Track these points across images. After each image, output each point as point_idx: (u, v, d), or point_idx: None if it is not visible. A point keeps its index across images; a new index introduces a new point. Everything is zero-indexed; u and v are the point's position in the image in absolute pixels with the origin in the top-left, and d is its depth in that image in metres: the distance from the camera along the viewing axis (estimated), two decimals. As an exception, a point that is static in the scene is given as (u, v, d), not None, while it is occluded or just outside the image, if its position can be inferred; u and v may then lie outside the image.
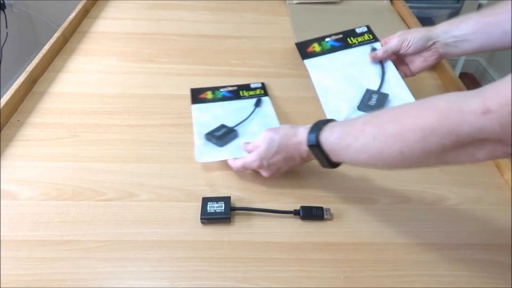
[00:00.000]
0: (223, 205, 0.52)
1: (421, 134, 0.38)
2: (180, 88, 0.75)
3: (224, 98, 0.72)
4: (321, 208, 0.53)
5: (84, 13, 0.98)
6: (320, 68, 0.70)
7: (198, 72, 0.81)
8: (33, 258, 0.47)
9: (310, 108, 0.70)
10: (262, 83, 0.76)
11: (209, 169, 0.59)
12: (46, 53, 0.79)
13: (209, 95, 0.73)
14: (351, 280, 0.46)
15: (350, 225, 0.52)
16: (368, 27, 0.74)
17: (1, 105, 0.65)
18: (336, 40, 0.73)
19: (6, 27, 1.81)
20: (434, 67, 0.83)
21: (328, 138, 0.48)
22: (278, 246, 0.50)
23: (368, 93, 0.64)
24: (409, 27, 0.97)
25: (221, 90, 0.74)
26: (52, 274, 0.46)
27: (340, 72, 0.68)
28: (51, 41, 0.82)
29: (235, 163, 0.57)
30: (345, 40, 0.73)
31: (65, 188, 0.56)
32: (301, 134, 0.51)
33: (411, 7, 1.03)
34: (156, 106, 0.70)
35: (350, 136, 0.45)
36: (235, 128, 0.64)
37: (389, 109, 0.46)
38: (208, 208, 0.52)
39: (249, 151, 0.57)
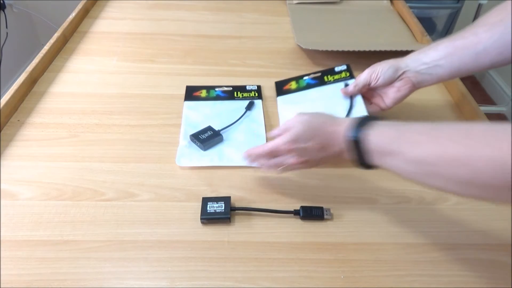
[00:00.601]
0: (223, 205, 0.52)
1: (492, 166, 0.33)
2: (180, 88, 0.75)
3: (217, 98, 0.72)
4: (321, 208, 0.53)
5: (84, 13, 0.98)
6: (289, 105, 0.69)
7: (198, 72, 0.81)
8: (33, 258, 0.47)
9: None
10: (258, 86, 0.75)
11: (209, 169, 0.59)
12: (46, 53, 0.79)
13: (203, 93, 0.73)
14: (351, 280, 0.46)
15: (350, 225, 0.52)
16: (348, 66, 0.73)
17: (1, 105, 0.65)
18: (314, 78, 0.73)
19: (6, 27, 1.81)
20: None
21: (375, 137, 0.43)
22: (278, 246, 0.50)
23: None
24: (409, 27, 0.97)
25: (216, 89, 0.74)
26: (52, 274, 0.46)
27: (306, 107, 0.66)
28: (51, 41, 0.82)
29: (263, 148, 0.52)
30: (322, 77, 0.73)
31: (65, 188, 0.56)
32: (343, 124, 0.47)
33: (411, 7, 1.03)
34: (156, 106, 0.70)
35: (403, 143, 0.41)
36: (221, 132, 0.64)
37: (452, 124, 0.40)
38: (208, 208, 0.52)
39: (277, 135, 0.52)
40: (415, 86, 0.61)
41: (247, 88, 0.75)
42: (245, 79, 0.78)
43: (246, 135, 0.65)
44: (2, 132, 0.64)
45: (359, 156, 0.45)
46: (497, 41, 0.52)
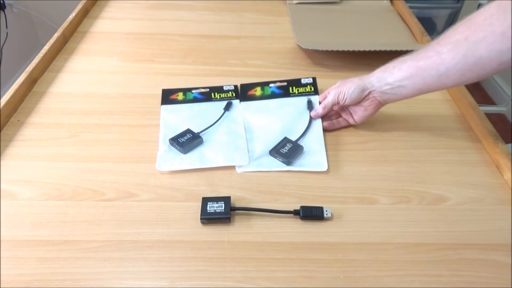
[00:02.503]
0: (223, 205, 0.52)
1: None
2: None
3: (194, 100, 0.72)
4: (321, 208, 0.53)
5: (84, 13, 0.98)
6: (252, 112, 0.69)
7: (198, 72, 0.81)
8: (33, 258, 0.47)
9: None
10: (235, 86, 0.75)
11: (209, 169, 0.59)
12: (46, 53, 0.79)
13: (180, 96, 0.72)
14: (351, 280, 0.46)
15: (350, 225, 0.52)
16: (314, 79, 0.74)
17: (1, 105, 0.65)
18: (279, 87, 0.73)
19: (6, 27, 1.81)
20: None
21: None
22: (278, 246, 0.50)
23: (284, 141, 0.62)
24: (409, 27, 0.97)
25: (193, 91, 0.74)
26: (52, 274, 0.46)
27: (269, 118, 0.68)
28: (51, 41, 0.82)
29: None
30: (287, 88, 0.73)
31: (65, 188, 0.56)
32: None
33: (411, 7, 1.03)
34: (156, 106, 0.70)
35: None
36: (201, 134, 0.63)
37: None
38: (208, 208, 0.52)
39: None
40: (382, 104, 0.62)
41: (225, 88, 0.74)
42: (245, 79, 0.78)
43: (226, 136, 0.64)
44: (2, 132, 0.64)
45: None
46: (460, 62, 0.51)
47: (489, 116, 0.68)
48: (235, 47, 0.89)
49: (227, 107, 0.70)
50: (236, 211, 0.53)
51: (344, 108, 0.67)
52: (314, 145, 0.63)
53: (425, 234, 0.52)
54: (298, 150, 0.61)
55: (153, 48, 0.87)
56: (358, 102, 0.63)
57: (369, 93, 0.61)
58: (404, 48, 0.82)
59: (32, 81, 0.74)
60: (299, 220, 0.53)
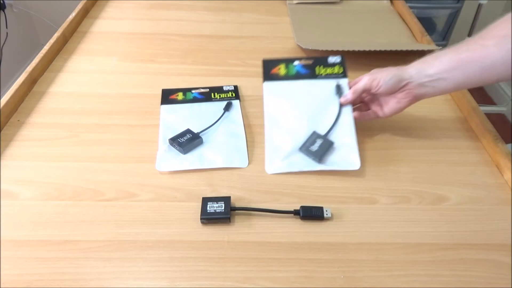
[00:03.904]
0: (223, 205, 0.52)
1: None
2: (180, 88, 0.75)
3: (194, 100, 0.72)
4: (321, 208, 0.53)
5: (84, 13, 0.98)
6: (276, 96, 0.66)
7: (198, 72, 0.81)
8: (33, 258, 0.47)
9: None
10: (235, 86, 0.75)
11: (209, 169, 0.59)
12: (46, 53, 0.79)
13: (180, 96, 0.72)
14: (351, 280, 0.46)
15: (350, 225, 0.52)
16: (342, 58, 0.69)
17: (1, 105, 0.65)
18: (305, 66, 0.68)
19: (6, 27, 1.81)
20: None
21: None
22: (278, 246, 0.50)
23: (314, 136, 0.59)
24: (409, 27, 0.97)
25: (193, 91, 0.73)
26: (52, 274, 0.46)
27: (295, 105, 0.64)
28: (51, 41, 0.82)
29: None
30: (314, 68, 0.68)
31: (65, 188, 0.56)
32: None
33: (411, 7, 1.03)
34: (155, 106, 0.70)
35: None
36: (201, 134, 0.63)
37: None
38: (208, 208, 0.52)
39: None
40: (416, 98, 0.59)
41: (224, 88, 0.74)
42: (245, 79, 0.78)
43: (226, 136, 0.64)
44: (2, 132, 0.64)
45: None
46: (505, 56, 0.51)
47: (489, 116, 0.68)
48: (235, 47, 0.89)
49: (227, 107, 0.70)
50: (236, 211, 0.53)
51: (374, 98, 0.64)
52: (345, 139, 0.60)
53: (425, 234, 0.52)
54: (329, 146, 0.59)
55: (153, 48, 0.87)
56: (392, 92, 0.59)
57: (406, 84, 0.58)
58: (404, 48, 0.82)
59: (32, 81, 0.74)
60: (299, 220, 0.53)
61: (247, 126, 0.67)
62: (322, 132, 0.61)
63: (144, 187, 0.56)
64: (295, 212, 0.52)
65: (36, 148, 0.62)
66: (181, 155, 0.61)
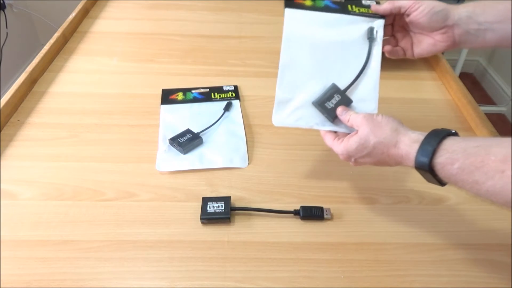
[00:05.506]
0: (223, 205, 0.52)
1: None
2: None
3: (194, 100, 0.72)
4: (321, 208, 0.53)
5: (84, 13, 0.98)
6: (300, 28, 0.55)
7: (198, 72, 0.81)
8: (33, 258, 0.47)
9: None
10: (235, 86, 0.75)
11: (209, 169, 0.59)
12: (46, 53, 0.79)
13: (180, 96, 0.72)
14: (351, 280, 0.46)
15: (350, 225, 0.52)
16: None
17: (1, 105, 0.65)
18: (335, 2, 0.56)
19: (6, 27, 1.81)
20: (434, 67, 0.84)
21: (446, 166, 0.40)
22: (278, 246, 0.50)
23: (332, 90, 0.52)
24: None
25: (193, 91, 0.73)
26: (52, 274, 0.46)
27: (317, 45, 0.54)
28: (51, 41, 0.82)
29: (326, 139, 0.51)
30: (345, 5, 0.56)
31: (65, 188, 0.56)
32: (405, 148, 0.44)
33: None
34: (155, 106, 0.70)
35: (480, 172, 0.37)
36: (201, 134, 0.63)
37: None
38: (208, 208, 0.52)
39: (343, 121, 0.50)
40: (455, 45, 0.52)
41: (224, 88, 0.74)
42: (245, 79, 0.78)
43: (226, 136, 0.64)
44: (2, 132, 0.64)
45: (437, 180, 0.42)
46: None
47: (489, 116, 0.68)
48: (235, 47, 0.89)
49: (227, 107, 0.70)
50: (236, 211, 0.53)
51: (407, 34, 0.56)
52: (366, 93, 0.53)
53: (425, 234, 0.52)
54: (347, 104, 0.52)
55: (153, 48, 0.87)
56: (432, 29, 0.52)
57: (451, 26, 0.51)
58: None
59: (32, 81, 0.74)
60: (299, 220, 0.53)
61: (247, 126, 0.67)
62: (342, 85, 0.53)
63: (144, 187, 0.56)
64: (295, 212, 0.52)
65: (36, 148, 0.62)
66: (181, 155, 0.61)
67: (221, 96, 0.73)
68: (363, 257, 0.49)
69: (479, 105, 0.70)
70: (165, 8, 1.03)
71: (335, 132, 0.52)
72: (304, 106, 0.53)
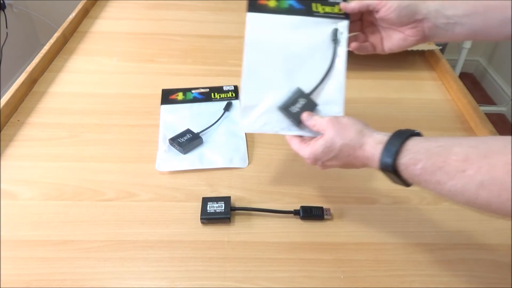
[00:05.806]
0: (223, 205, 0.52)
1: None
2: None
3: (194, 100, 0.72)
4: (321, 208, 0.53)
5: (84, 13, 0.98)
6: (263, 32, 0.55)
7: (198, 72, 0.81)
8: (33, 258, 0.47)
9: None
10: (235, 86, 0.75)
11: (209, 169, 0.59)
12: (46, 53, 0.79)
13: (180, 96, 0.72)
14: (351, 280, 0.46)
15: (350, 225, 0.52)
16: None
17: (1, 105, 0.65)
18: (299, 1, 0.55)
19: (6, 27, 1.81)
20: (434, 67, 0.84)
21: (409, 166, 0.40)
22: (278, 246, 0.50)
23: (297, 94, 0.51)
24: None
25: (193, 91, 0.73)
26: (52, 274, 0.46)
27: (282, 48, 0.53)
28: (51, 41, 0.82)
29: (292, 144, 0.50)
30: (310, 4, 0.55)
31: (65, 188, 0.56)
32: (370, 150, 0.43)
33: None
34: (155, 106, 0.70)
35: (442, 172, 0.37)
36: (201, 134, 0.63)
37: (502, 145, 0.35)
38: (208, 208, 0.52)
39: (309, 127, 0.50)
40: (425, 39, 0.52)
41: (224, 88, 0.74)
42: (245, 79, 0.77)
43: (226, 136, 0.64)
44: (2, 132, 0.64)
45: (401, 180, 0.42)
46: None
47: (489, 116, 0.68)
48: (235, 47, 0.89)
49: (227, 107, 0.70)
50: (236, 211, 0.53)
51: (376, 29, 0.55)
52: (331, 96, 0.52)
53: (425, 234, 0.52)
54: (312, 109, 0.51)
55: (153, 48, 0.87)
56: (401, 24, 0.51)
57: (420, 20, 0.51)
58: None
59: (32, 81, 0.74)
60: (299, 220, 0.53)
61: (247, 126, 0.67)
62: (309, 89, 0.52)
63: (144, 187, 0.56)
64: (295, 212, 0.52)
65: (36, 148, 0.62)
66: (181, 155, 0.61)
67: (221, 96, 0.73)
68: (363, 257, 0.49)
69: (479, 105, 0.70)
70: (165, 8, 1.03)
71: (301, 136, 0.51)
72: (269, 111, 0.52)
